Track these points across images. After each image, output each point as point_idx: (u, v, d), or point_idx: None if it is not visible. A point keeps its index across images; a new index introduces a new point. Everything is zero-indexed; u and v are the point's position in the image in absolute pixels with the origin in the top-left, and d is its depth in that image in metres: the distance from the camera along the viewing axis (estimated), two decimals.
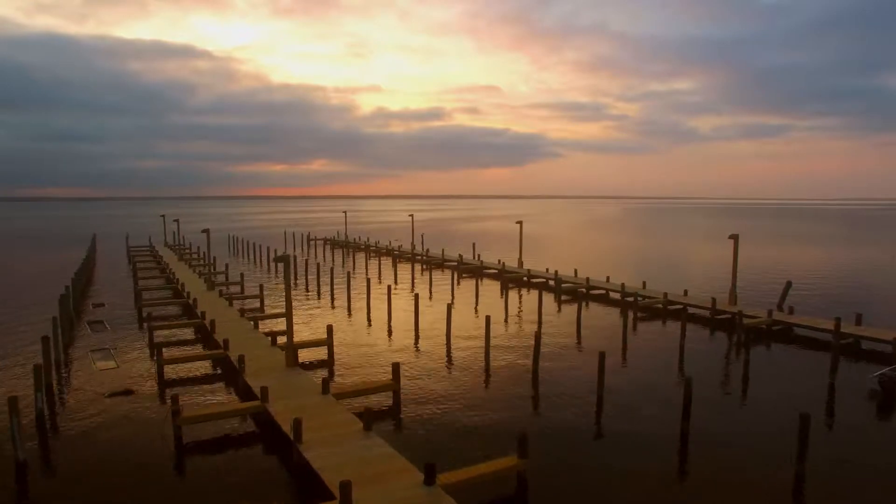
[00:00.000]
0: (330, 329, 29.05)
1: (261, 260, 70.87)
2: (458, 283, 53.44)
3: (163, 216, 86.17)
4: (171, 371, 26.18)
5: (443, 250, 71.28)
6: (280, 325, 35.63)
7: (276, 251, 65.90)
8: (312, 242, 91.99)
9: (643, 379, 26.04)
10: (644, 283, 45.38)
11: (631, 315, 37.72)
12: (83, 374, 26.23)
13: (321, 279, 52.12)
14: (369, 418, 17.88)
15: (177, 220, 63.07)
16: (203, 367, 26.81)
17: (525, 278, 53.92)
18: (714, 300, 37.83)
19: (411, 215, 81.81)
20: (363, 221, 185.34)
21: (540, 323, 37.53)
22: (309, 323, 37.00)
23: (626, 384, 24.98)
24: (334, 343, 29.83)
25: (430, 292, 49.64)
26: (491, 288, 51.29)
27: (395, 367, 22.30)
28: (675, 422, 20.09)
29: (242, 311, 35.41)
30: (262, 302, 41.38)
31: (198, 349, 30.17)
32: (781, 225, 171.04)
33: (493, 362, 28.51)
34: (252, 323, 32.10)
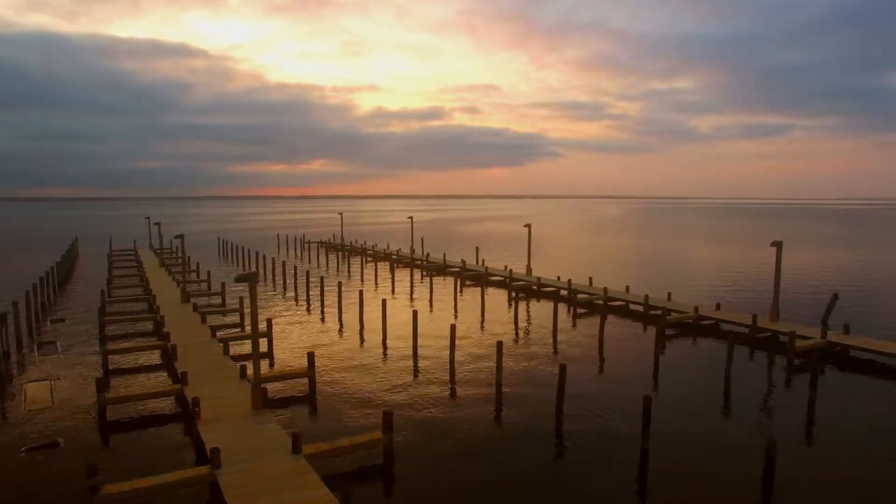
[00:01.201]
0: (311, 358, 24.39)
1: (249, 265, 66.24)
2: (461, 292, 48.81)
3: (147, 218, 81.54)
4: (116, 411, 21.55)
5: (444, 255, 66.67)
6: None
7: (263, 257, 61.34)
8: (307, 246, 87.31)
9: (686, 407, 21.45)
10: (669, 295, 40.74)
11: (654, 329, 33.17)
12: (9, 414, 21.60)
13: (311, 288, 47.47)
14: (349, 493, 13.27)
15: (158, 224, 58.38)
16: (155, 406, 22.17)
17: (535, 287, 49.24)
18: (755, 317, 33.15)
19: (410, 217, 77.20)
20: (362, 222, 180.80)
21: (555, 339, 32.98)
22: (291, 342, 32.33)
23: (669, 413, 20.37)
24: (318, 372, 25.27)
25: (431, 303, 45.02)
26: (497, 297, 46.67)
27: (387, 419, 17.63)
28: (749, 482, 15.48)
29: (215, 331, 30.74)
30: (241, 317, 36.77)
31: (154, 381, 25.46)
32: (796, 226, 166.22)
33: (506, 398, 23.86)
34: (223, 346, 27.44)
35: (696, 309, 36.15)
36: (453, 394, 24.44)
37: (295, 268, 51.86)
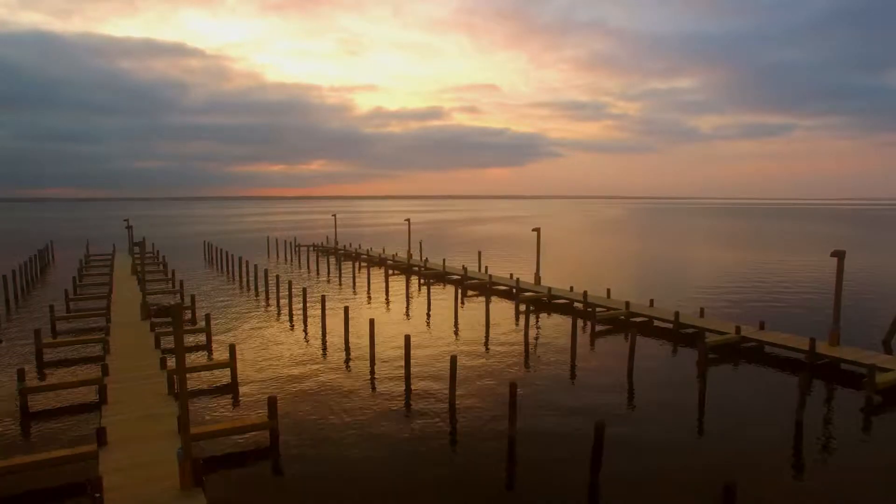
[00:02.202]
0: (274, 406, 19.02)
1: (234, 272, 60.94)
2: (463, 304, 43.60)
3: (126, 220, 76.02)
4: (13, 483, 16.30)
5: (443, 260, 61.42)
6: (220, 377, 25.84)
7: (246, 263, 56.10)
8: (298, 250, 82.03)
9: (768, 465, 16.20)
10: (702, 311, 35.46)
11: (688, 351, 27.99)
12: None
13: (294, 300, 42.17)
14: None
15: (129, 227, 53.17)
16: (63, 477, 16.88)
17: (545, 299, 43.95)
18: (813, 341, 27.83)
19: (407, 220, 71.94)
20: (360, 224, 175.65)
21: (574, 363, 27.77)
22: (261, 373, 27.03)
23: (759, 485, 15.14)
24: (287, 421, 20.03)
25: (429, 316, 39.79)
26: (503, 310, 41.43)
27: None
28: None
29: (166, 360, 25.45)
30: (208, 339, 31.50)
31: (69, 437, 20.07)
32: (812, 227, 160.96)
33: (524, 439, 18.62)
34: (168, 382, 22.13)
35: (737, 329, 30.84)
36: (455, 442, 19.23)
37: (277, 277, 46.54)
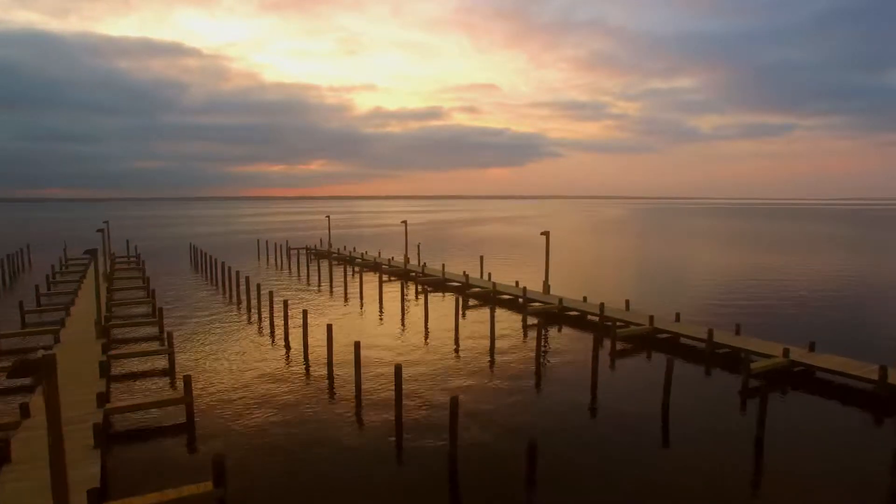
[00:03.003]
0: (220, 468, 14.67)
1: (217, 278, 56.55)
2: (464, 315, 39.29)
3: (106, 222, 71.67)
4: None
5: (443, 266, 57.07)
6: (173, 416, 21.30)
7: (228, 269, 51.65)
8: (289, 253, 77.66)
9: None
10: (738, 328, 31.05)
11: (725, 374, 23.71)
12: None
13: (274, 313, 37.80)
14: None
15: (102, 229, 48.81)
16: None
17: (556, 310, 39.55)
18: (884, 370, 23.43)
19: (404, 222, 67.54)
20: (358, 225, 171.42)
21: (595, 389, 23.46)
22: (222, 404, 22.66)
23: None
24: (243, 488, 15.70)
25: (426, 328, 35.51)
26: (508, 321, 37.12)
27: None
28: None
29: (104, 398, 21.01)
30: (170, 363, 27.13)
31: None
32: (830, 229, 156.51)
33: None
34: (94, 434, 17.70)
35: (785, 352, 26.42)
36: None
37: (258, 286, 42.07)
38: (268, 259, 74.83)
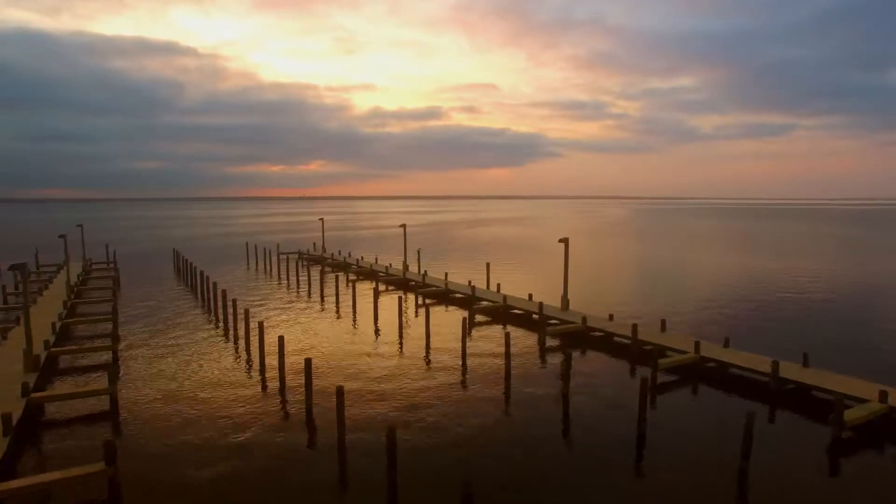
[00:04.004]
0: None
1: (197, 288, 51.17)
2: (471, 333, 34.04)
3: (80, 225, 66.47)
4: None
5: (445, 275, 51.87)
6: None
7: (206, 281, 46.27)
8: (279, 258, 72.34)
9: None
10: (805, 357, 25.69)
11: (806, 420, 18.53)
12: None
13: (250, 336, 32.50)
14: None
15: (64, 235, 43.61)
16: None
17: (580, 330, 34.20)
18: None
19: (403, 225, 62.19)
20: (357, 227, 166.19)
21: (643, 440, 18.25)
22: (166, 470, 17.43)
23: None
24: None
25: (428, 347, 30.33)
26: (523, 340, 31.90)
27: None
28: None
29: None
30: (113, 406, 21.83)
31: None
32: (850, 231, 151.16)
33: None
34: None
35: (882, 395, 21.12)
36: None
37: (234, 303, 36.68)
38: (257, 265, 69.47)
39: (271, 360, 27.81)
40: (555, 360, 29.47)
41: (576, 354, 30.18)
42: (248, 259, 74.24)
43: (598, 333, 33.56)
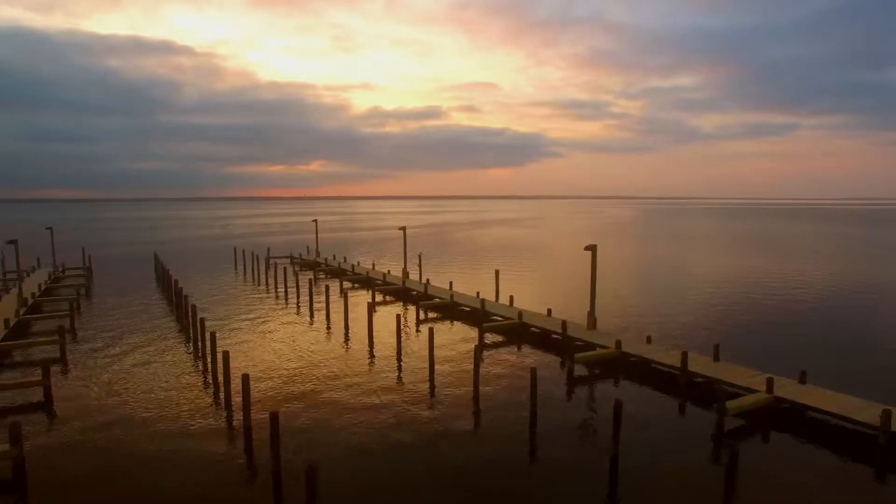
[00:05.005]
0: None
1: (173, 295, 45.83)
2: (483, 357, 28.66)
3: (49, 228, 61.10)
4: None
5: (451, 283, 46.56)
6: None
7: (181, 289, 40.84)
8: (269, 263, 66.98)
9: None
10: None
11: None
12: None
13: (216, 363, 27.14)
14: None
15: (13, 242, 38.30)
16: None
17: (615, 358, 28.72)
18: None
19: (402, 228, 56.78)
20: (355, 227, 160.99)
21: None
22: None
23: None
24: None
25: (432, 373, 24.98)
26: (547, 366, 26.50)
27: None
28: None
29: None
30: (15, 467, 16.49)
31: None
32: (873, 232, 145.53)
33: None
34: None
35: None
36: None
37: (202, 321, 31.24)
38: (245, 271, 64.09)
39: (235, 385, 22.61)
40: (584, 393, 24.29)
41: (611, 388, 24.87)
42: (235, 264, 68.91)
43: (634, 358, 28.11)
